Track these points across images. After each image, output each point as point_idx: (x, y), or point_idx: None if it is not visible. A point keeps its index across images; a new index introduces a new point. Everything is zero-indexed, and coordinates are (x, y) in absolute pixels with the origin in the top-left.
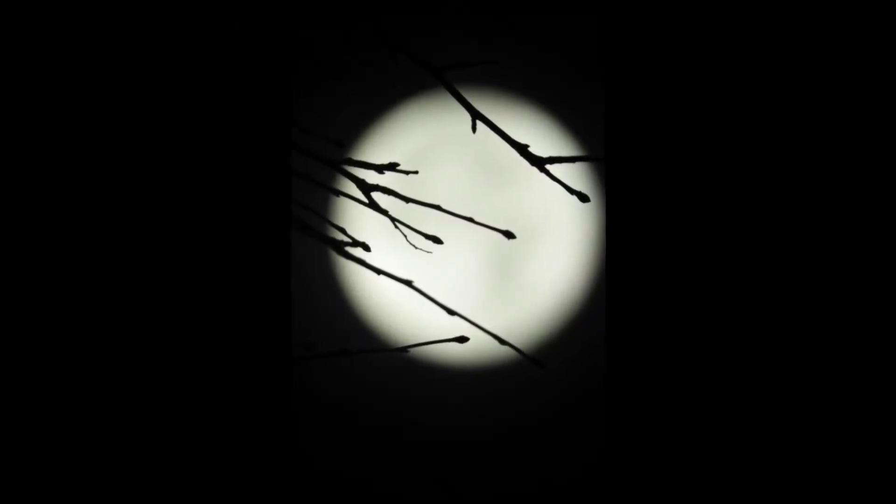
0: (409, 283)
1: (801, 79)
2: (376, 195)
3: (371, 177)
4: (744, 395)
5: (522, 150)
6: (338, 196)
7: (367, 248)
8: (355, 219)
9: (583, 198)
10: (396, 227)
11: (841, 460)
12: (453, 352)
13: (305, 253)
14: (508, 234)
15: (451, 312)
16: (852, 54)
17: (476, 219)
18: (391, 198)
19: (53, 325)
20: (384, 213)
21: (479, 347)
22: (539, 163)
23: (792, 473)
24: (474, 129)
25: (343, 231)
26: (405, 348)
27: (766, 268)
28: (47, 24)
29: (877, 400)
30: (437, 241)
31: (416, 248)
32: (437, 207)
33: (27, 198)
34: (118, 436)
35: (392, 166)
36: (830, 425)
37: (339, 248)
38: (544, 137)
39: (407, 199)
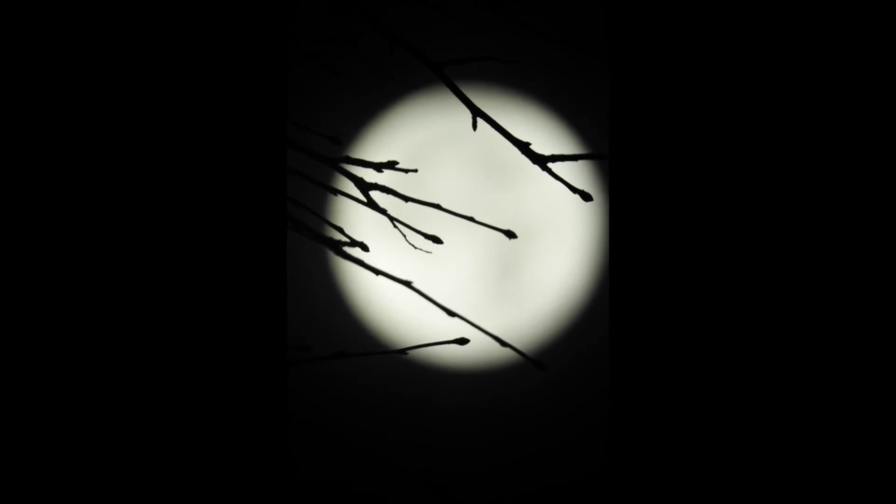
0: (408, 284)
1: (808, 77)
2: (375, 194)
3: (369, 175)
4: (748, 396)
5: (524, 147)
6: (335, 195)
7: (365, 247)
8: (353, 218)
9: (585, 197)
10: (395, 226)
11: (843, 461)
12: (453, 354)
13: (302, 253)
14: (509, 234)
15: (450, 314)
16: (855, 51)
17: (476, 218)
18: (390, 197)
19: (45, 326)
20: (383, 212)
21: (480, 349)
22: (541, 161)
23: (795, 481)
24: (475, 126)
25: (341, 230)
26: (404, 350)
27: (771, 268)
28: (44, 20)
29: (879, 401)
30: (436, 240)
31: (415, 248)
32: (437, 206)
33: (22, 196)
34: (111, 438)
35: (391, 164)
36: (836, 431)
37: (337, 247)
38: (546, 135)
39: (406, 198)
